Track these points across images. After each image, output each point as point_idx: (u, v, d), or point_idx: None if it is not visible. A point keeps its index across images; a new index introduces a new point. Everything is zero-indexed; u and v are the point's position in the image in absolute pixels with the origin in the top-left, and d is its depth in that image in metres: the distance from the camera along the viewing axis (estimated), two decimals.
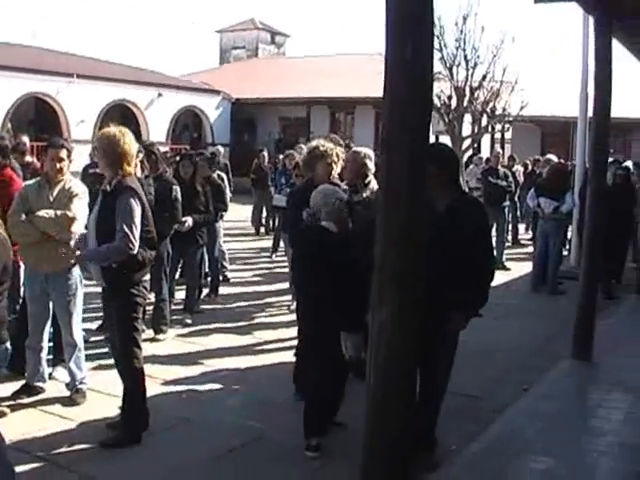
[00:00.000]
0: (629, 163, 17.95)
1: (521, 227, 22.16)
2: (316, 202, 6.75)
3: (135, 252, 6.50)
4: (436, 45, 25.76)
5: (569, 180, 16.00)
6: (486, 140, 34.44)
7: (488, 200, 16.19)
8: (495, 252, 13.69)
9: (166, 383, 8.34)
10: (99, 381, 8.04)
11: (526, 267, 16.12)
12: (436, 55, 25.83)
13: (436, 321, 5.73)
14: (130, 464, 6.30)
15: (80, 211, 7.41)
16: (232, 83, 40.29)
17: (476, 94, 27.23)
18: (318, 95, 36.02)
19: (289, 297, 11.98)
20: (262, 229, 21.81)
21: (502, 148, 30.67)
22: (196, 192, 11.08)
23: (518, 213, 21.68)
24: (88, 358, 8.17)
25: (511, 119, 29.62)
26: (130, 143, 6.69)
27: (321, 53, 49.65)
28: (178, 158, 12.83)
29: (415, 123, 4.40)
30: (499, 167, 17.89)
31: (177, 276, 11.98)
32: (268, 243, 18.24)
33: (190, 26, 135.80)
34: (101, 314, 9.73)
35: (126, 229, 6.42)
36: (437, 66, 25.88)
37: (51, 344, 8.03)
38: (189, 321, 10.99)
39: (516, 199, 20.81)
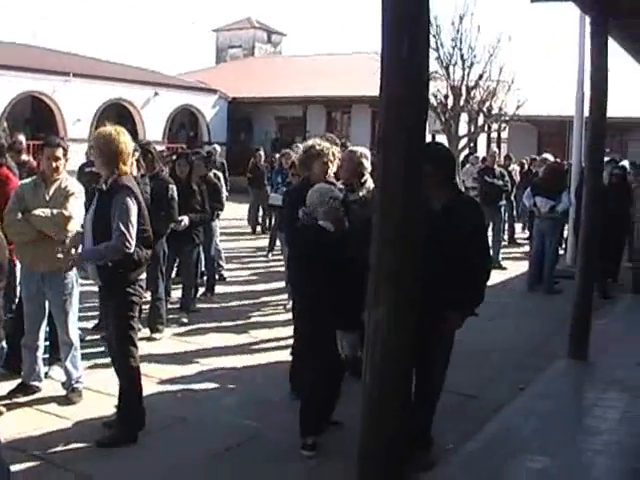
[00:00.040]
0: (625, 162, 17.96)
1: (518, 226, 22.16)
2: (312, 201, 6.74)
3: (131, 251, 6.50)
4: (432, 44, 25.79)
5: (565, 179, 15.99)
6: (482, 139, 34.44)
7: (484, 199, 16.19)
8: (491, 251, 13.69)
9: (162, 382, 8.33)
10: (95, 380, 8.04)
11: (522, 266, 16.14)
12: (433, 54, 25.85)
13: (432, 320, 5.74)
14: (126, 463, 6.30)
15: (76, 210, 7.40)
16: (228, 82, 40.27)
17: (472, 93, 27.29)
18: (314, 94, 35.99)
19: (285, 296, 11.97)
20: (258, 228, 21.80)
21: (498, 147, 30.71)
22: (192, 191, 11.09)
23: (514, 212, 21.68)
24: (84, 357, 8.16)
25: (507, 118, 29.67)
26: (126, 142, 6.69)
27: (317, 52, 49.63)
28: (174, 157, 12.81)
29: (411, 122, 4.41)
30: (495, 166, 17.92)
31: (173, 275, 11.98)
32: (264, 242, 18.23)
33: (188, 25, 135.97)
34: (97, 313, 9.82)
35: (122, 228, 6.42)
36: (434, 65, 25.96)
37: (47, 343, 8.03)
38: (185, 320, 10.98)
39: (512, 198, 20.81)
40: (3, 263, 5.67)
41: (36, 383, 7.75)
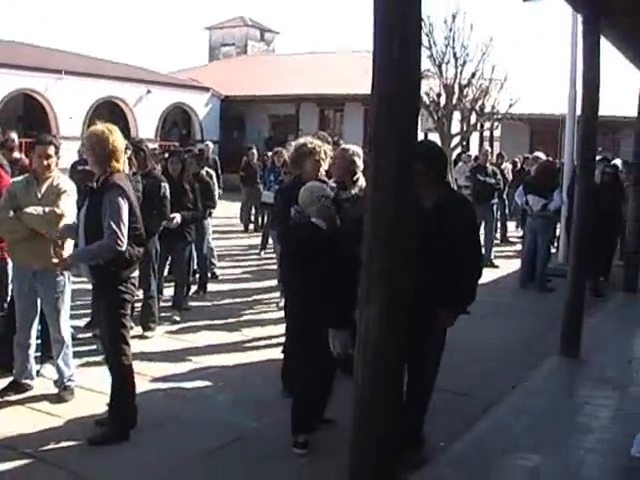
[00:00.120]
0: (618, 161, 17.97)
1: (511, 225, 22.17)
2: (304, 200, 6.75)
3: (123, 249, 6.50)
4: (425, 43, 25.88)
5: (557, 178, 16.01)
6: (475, 138, 34.50)
7: (477, 198, 16.21)
8: (484, 250, 13.73)
9: (154, 380, 8.32)
10: (87, 378, 8.02)
11: (515, 265, 16.17)
12: (425, 53, 25.92)
13: (424, 318, 5.75)
14: (118, 461, 6.29)
15: (68, 208, 7.39)
16: (221, 80, 40.24)
17: (465, 92, 27.33)
18: (307, 92, 35.99)
19: (277, 294, 11.96)
20: (251, 226, 21.80)
21: (491, 146, 30.73)
22: (184, 189, 11.07)
23: (507, 211, 21.69)
24: (76, 355, 8.15)
25: (500, 117, 29.70)
26: (118, 140, 6.69)
27: (310, 50, 49.62)
28: (167, 155, 12.81)
29: (403, 120, 4.41)
30: (487, 165, 17.92)
31: (166, 273, 11.97)
32: (257, 240, 18.24)
33: (181, 23, 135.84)
34: (89, 311, 9.81)
35: (114, 227, 6.42)
36: (426, 64, 26.04)
37: (39, 341, 8.02)
38: (177, 318, 10.98)
39: (504, 197, 20.83)
40: None
41: (28, 381, 7.74)
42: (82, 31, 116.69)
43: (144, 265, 8.97)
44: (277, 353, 8.65)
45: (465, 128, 28.14)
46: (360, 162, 7.99)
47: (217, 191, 14.96)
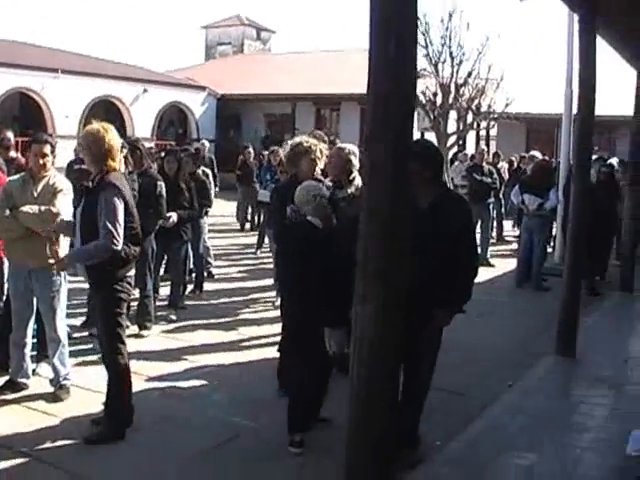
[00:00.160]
0: (614, 161, 17.99)
1: (508, 224, 22.20)
2: (300, 199, 6.75)
3: (119, 249, 6.50)
4: (422, 42, 25.86)
5: (553, 177, 16.04)
6: (471, 137, 34.51)
7: (473, 197, 16.24)
8: (480, 249, 13.74)
9: (150, 379, 8.32)
10: (83, 377, 8.02)
11: (511, 264, 16.17)
12: (422, 52, 25.88)
13: (420, 318, 5.75)
14: (114, 460, 6.29)
15: (64, 207, 7.39)
16: (218, 79, 40.22)
17: (461, 91, 27.29)
18: (303, 91, 36.00)
19: (274, 293, 11.96)
20: (247, 225, 21.78)
21: (487, 145, 30.77)
22: (180, 188, 11.06)
23: (503, 210, 21.71)
24: (72, 354, 8.15)
25: (496, 116, 29.66)
26: (114, 138, 6.70)
27: (307, 49, 49.64)
28: (163, 154, 12.80)
29: (398, 119, 4.41)
30: (484, 164, 17.93)
31: (162, 272, 11.97)
32: (253, 239, 18.23)
33: (178, 22, 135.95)
34: (85, 310, 9.81)
35: (110, 226, 6.42)
36: (422, 63, 25.97)
37: (35, 340, 8.01)
38: (173, 317, 10.98)
39: (501, 196, 20.85)
40: None
41: (24, 380, 7.75)
42: (82, 31, 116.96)
43: (140, 264, 8.96)
44: (273, 352, 8.64)
45: (461, 127, 28.11)
46: (356, 161, 8.00)
47: (213, 190, 14.97)
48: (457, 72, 27.16)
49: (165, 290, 11.64)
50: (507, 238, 21.32)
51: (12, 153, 10.43)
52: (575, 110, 10.15)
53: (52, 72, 30.91)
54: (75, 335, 9.26)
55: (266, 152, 19.44)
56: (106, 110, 32.39)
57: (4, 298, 8.32)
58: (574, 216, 9.49)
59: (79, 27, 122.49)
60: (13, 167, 9.67)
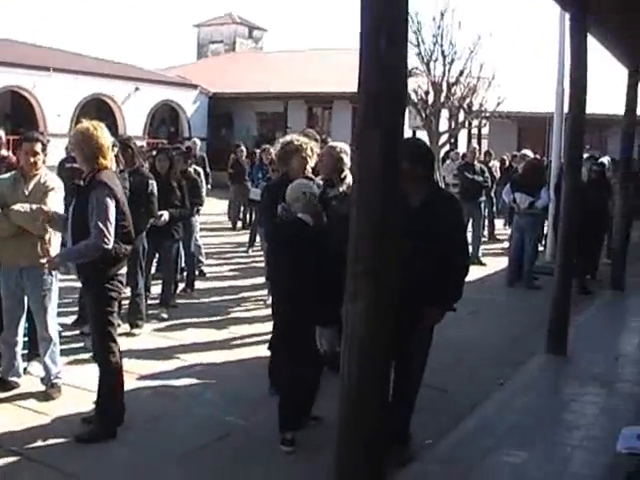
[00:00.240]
0: (606, 159, 18.02)
1: (499, 223, 22.23)
2: (290, 197, 6.76)
3: (110, 248, 6.50)
4: (413, 40, 25.92)
5: (544, 175, 16.06)
6: (463, 135, 34.56)
7: (464, 195, 16.26)
8: (471, 247, 13.75)
9: (142, 378, 8.32)
10: (74, 376, 8.02)
11: (502, 262, 16.18)
12: (413, 50, 25.97)
13: (411, 316, 5.75)
14: (105, 458, 6.29)
15: (55, 205, 7.39)
16: (209, 77, 40.18)
17: (453, 90, 27.36)
18: (295, 90, 35.98)
19: (265, 292, 11.97)
20: (239, 223, 21.77)
21: (479, 144, 30.80)
22: (172, 187, 11.05)
23: (494, 208, 21.74)
24: (63, 353, 8.14)
25: (488, 115, 29.73)
26: (104, 136, 6.70)
27: (298, 48, 49.64)
28: (154, 153, 12.79)
29: (389, 118, 4.40)
30: (475, 162, 17.94)
31: (153, 271, 11.97)
32: (244, 238, 18.22)
33: (169, 20, 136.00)
34: (77, 309, 9.80)
35: (101, 225, 6.42)
36: (414, 61, 26.04)
37: (26, 339, 8.01)
38: (165, 316, 10.97)
39: (492, 194, 20.88)
40: None
41: (15, 379, 7.74)
42: (82, 31, 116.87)
43: (131, 263, 8.94)
44: (264, 351, 8.61)
45: (453, 126, 28.18)
46: (348, 160, 7.99)
47: (205, 188, 14.97)
48: (449, 71, 27.23)
49: (156, 288, 11.64)
50: (498, 237, 21.32)
51: (3, 151, 10.38)
52: (566, 109, 10.15)
53: (44, 70, 30.82)
54: (66, 334, 9.25)
55: (258, 150, 19.41)
56: (98, 108, 32.31)
57: None
58: (565, 215, 9.51)
59: (79, 27, 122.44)
60: (4, 165, 9.63)
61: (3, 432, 6.65)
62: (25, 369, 8.02)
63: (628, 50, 13.13)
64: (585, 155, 13.10)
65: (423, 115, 27.05)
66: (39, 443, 6.49)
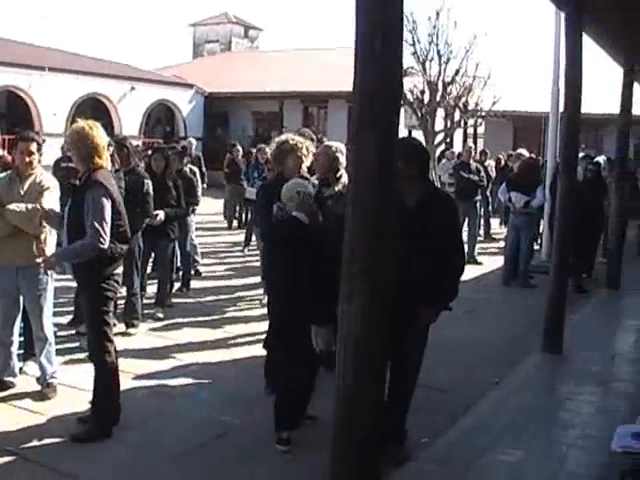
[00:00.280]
0: (602, 159, 18.03)
1: (495, 222, 22.25)
2: (286, 196, 6.77)
3: (105, 247, 6.49)
4: (409, 40, 25.93)
5: (540, 175, 16.08)
6: (459, 135, 34.57)
7: (460, 195, 16.28)
8: (467, 246, 13.75)
9: (137, 377, 8.32)
10: (70, 375, 8.02)
11: (498, 261, 16.19)
12: (409, 50, 25.98)
13: (406, 316, 5.75)
14: (101, 459, 6.29)
15: (51, 204, 7.38)
16: (205, 77, 40.18)
17: (449, 89, 27.37)
18: (291, 89, 35.98)
19: (261, 291, 11.94)
20: (235, 223, 21.76)
21: (474, 143, 30.81)
22: (167, 186, 11.03)
23: (490, 208, 21.76)
24: (59, 352, 8.14)
25: (483, 114, 29.75)
26: (100, 136, 6.70)
27: (294, 47, 49.60)
28: (150, 152, 12.78)
29: (384, 117, 4.41)
30: (471, 162, 17.96)
31: (149, 270, 11.96)
32: (240, 237, 18.24)
33: (164, 20, 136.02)
34: (72, 308, 9.79)
35: (96, 225, 6.41)
36: (410, 61, 26.03)
37: (22, 338, 8.00)
38: (161, 315, 10.96)
39: (488, 194, 20.90)
40: None
41: (10, 379, 7.73)
42: (81, 31, 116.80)
43: (127, 262, 8.96)
44: (260, 350, 8.57)
45: (449, 125, 28.19)
46: (343, 159, 7.99)
47: (200, 188, 14.97)
48: (444, 70, 27.24)
49: (152, 288, 11.62)
50: (494, 236, 21.34)
51: None
52: (562, 108, 10.17)
53: (39, 70, 30.82)
54: (62, 333, 9.24)
55: (254, 150, 19.40)
56: (93, 108, 32.30)
57: None
58: (561, 214, 9.52)
59: (77, 27, 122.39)
60: None
61: None
62: (21, 369, 8.01)
63: (623, 49, 13.14)
64: (581, 154, 13.12)
65: (419, 114, 27.04)
66: (35, 443, 6.49)
